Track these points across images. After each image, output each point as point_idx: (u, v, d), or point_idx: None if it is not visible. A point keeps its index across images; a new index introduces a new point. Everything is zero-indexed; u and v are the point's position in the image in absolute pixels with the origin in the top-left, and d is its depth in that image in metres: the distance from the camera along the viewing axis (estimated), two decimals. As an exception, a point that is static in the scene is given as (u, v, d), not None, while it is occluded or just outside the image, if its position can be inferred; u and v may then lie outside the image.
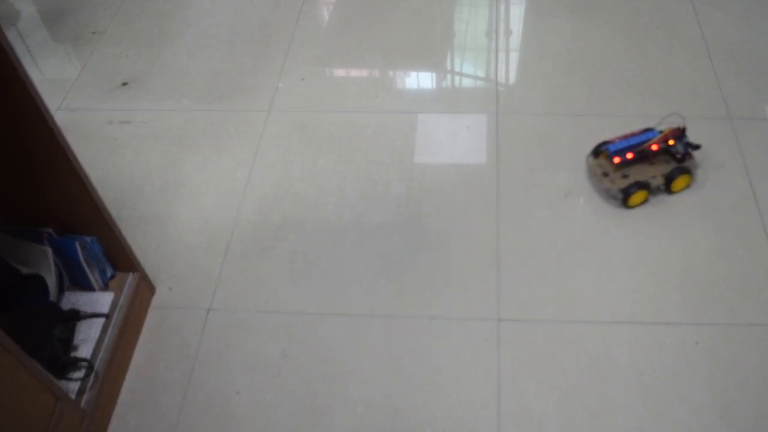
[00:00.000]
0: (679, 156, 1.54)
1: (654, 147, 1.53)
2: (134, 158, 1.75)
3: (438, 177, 1.64)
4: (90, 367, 1.23)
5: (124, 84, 1.95)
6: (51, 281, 1.28)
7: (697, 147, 1.56)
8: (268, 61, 1.98)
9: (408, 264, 1.48)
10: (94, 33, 2.13)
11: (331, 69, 1.96)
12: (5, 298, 1.20)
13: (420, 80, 1.92)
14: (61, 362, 1.21)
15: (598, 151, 1.60)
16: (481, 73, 1.91)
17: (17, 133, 1.09)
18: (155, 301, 1.46)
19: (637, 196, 1.52)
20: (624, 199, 1.52)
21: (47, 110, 1.06)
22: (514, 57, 1.95)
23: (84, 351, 1.26)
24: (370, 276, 1.47)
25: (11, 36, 2.14)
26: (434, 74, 1.93)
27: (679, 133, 1.55)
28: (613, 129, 1.70)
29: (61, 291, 1.34)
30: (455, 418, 1.25)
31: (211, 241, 1.55)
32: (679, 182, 1.54)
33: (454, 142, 1.73)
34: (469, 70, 1.93)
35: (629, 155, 1.53)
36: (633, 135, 1.56)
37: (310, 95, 1.87)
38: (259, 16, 2.14)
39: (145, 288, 1.44)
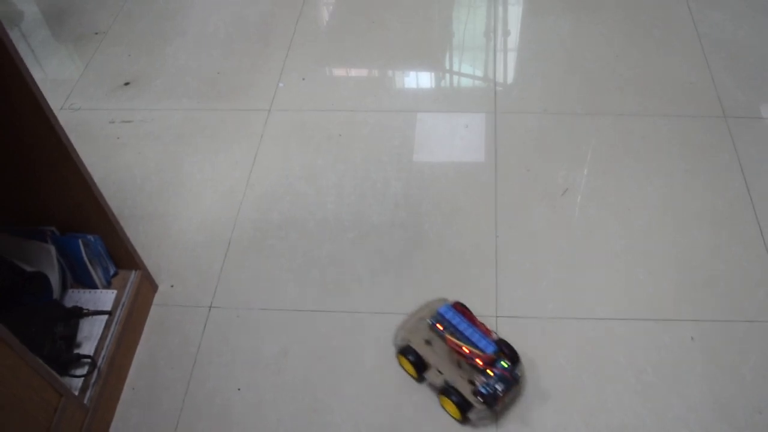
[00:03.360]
0: (474, 391, 1.20)
1: (466, 350, 1.22)
2: (136, 157, 1.76)
3: (437, 175, 1.65)
4: (93, 364, 1.24)
5: (126, 84, 1.96)
6: (54, 279, 1.29)
7: (495, 401, 1.19)
8: (268, 60, 1.99)
9: (407, 262, 1.49)
10: (96, 33, 2.14)
11: (331, 68, 1.97)
12: (9, 296, 1.22)
13: (419, 79, 1.93)
14: (64, 359, 1.22)
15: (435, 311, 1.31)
16: (479, 73, 1.92)
17: (20, 132, 1.10)
18: (157, 298, 1.47)
19: (406, 364, 1.28)
20: (396, 352, 1.31)
21: (50, 110, 1.07)
22: (512, 56, 1.96)
23: (87, 348, 1.27)
24: (370, 274, 1.48)
25: (14, 36, 2.14)
26: (433, 73, 1.94)
27: (502, 377, 1.20)
28: (611, 128, 1.72)
29: (64, 289, 1.35)
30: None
31: (212, 239, 1.57)
32: (448, 404, 1.23)
33: (452, 140, 1.74)
34: (467, 69, 1.94)
35: (446, 333, 1.26)
36: (478, 327, 1.26)
37: (310, 94, 1.88)
38: (259, 15, 2.15)
39: (147, 286, 1.45)
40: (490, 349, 1.20)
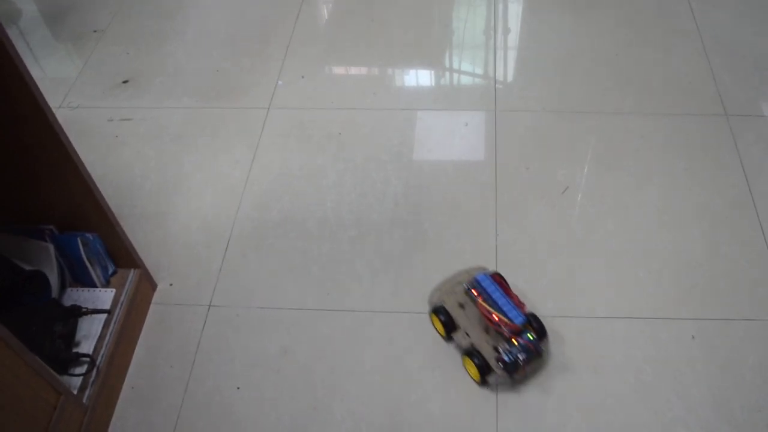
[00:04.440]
0: (497, 357, 1.24)
1: (493, 316, 1.25)
2: (135, 155, 1.76)
3: (436, 174, 1.65)
4: (92, 363, 1.24)
5: (125, 82, 1.96)
6: (53, 278, 1.28)
7: (515, 369, 1.23)
8: (267, 58, 1.99)
9: (407, 260, 1.49)
10: (95, 31, 2.14)
11: (330, 66, 1.96)
12: (9, 296, 1.21)
13: (419, 78, 1.93)
14: (63, 358, 1.22)
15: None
16: (479, 71, 1.92)
17: (18, 131, 1.10)
18: (156, 297, 1.47)
19: (438, 325, 1.34)
20: (429, 311, 1.37)
21: (48, 108, 1.06)
22: (512, 54, 1.96)
23: (85, 347, 1.27)
24: (370, 272, 1.47)
25: (13, 34, 2.14)
26: (433, 72, 1.94)
27: (525, 347, 1.25)
28: (611, 126, 1.72)
29: (63, 287, 1.35)
30: (454, 414, 1.26)
31: (212, 238, 1.56)
32: (469, 364, 1.28)
33: (452, 139, 1.73)
34: (467, 67, 1.94)
35: (479, 298, 1.28)
36: (517, 301, 1.28)
37: (310, 93, 1.88)
38: (258, 14, 2.15)
39: (146, 284, 1.44)
40: (519, 320, 1.24)
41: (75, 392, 1.20)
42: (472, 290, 1.31)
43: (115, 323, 1.32)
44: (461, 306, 1.33)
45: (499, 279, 1.33)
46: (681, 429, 1.22)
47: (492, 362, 1.25)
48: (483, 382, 1.28)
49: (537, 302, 1.40)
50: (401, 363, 1.33)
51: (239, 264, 1.51)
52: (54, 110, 1.08)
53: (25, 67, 1.00)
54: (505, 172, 1.64)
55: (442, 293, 1.37)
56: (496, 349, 1.25)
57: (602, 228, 1.52)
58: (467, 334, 1.30)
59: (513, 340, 1.25)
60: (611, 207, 1.56)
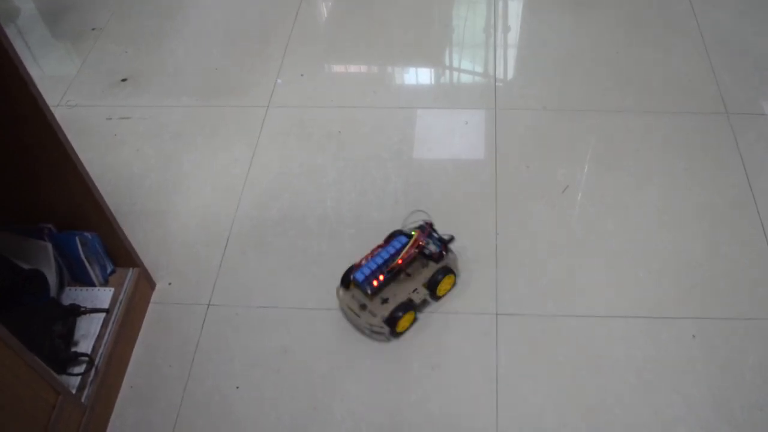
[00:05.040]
0: (435, 256, 1.38)
1: (400, 261, 1.34)
2: (133, 154, 1.75)
3: (436, 172, 1.65)
4: (90, 363, 1.24)
5: (124, 80, 1.95)
6: (51, 277, 1.28)
7: (450, 240, 1.42)
8: (266, 57, 1.98)
9: (407, 260, 1.48)
10: (93, 29, 2.13)
11: (330, 65, 1.96)
12: (8, 296, 1.21)
13: (418, 76, 1.92)
14: (62, 358, 1.21)
15: (347, 281, 1.38)
16: (479, 69, 1.91)
17: (17, 129, 1.10)
18: (155, 296, 1.47)
19: (405, 320, 1.34)
20: (391, 330, 1.34)
21: (47, 106, 1.06)
22: (512, 53, 1.95)
23: (84, 346, 1.27)
24: (369, 271, 1.47)
25: (11, 33, 2.14)
26: (433, 70, 1.93)
27: (428, 231, 1.40)
28: (611, 125, 1.71)
29: (61, 287, 1.34)
30: (454, 413, 1.26)
31: (211, 237, 1.56)
32: (444, 284, 1.38)
33: (452, 137, 1.73)
34: (467, 66, 1.94)
35: (380, 277, 1.34)
36: (381, 247, 1.39)
37: (309, 91, 1.88)
38: (257, 12, 2.14)
39: (145, 283, 1.44)
40: (405, 239, 1.38)
41: (74, 392, 1.20)
42: (374, 282, 1.34)
43: (113, 322, 1.31)
44: (386, 301, 1.35)
45: (368, 255, 1.39)
46: (681, 429, 1.22)
47: (437, 275, 1.36)
48: (454, 281, 1.42)
49: (537, 302, 1.40)
50: (401, 363, 1.33)
51: (239, 263, 1.51)
52: (52, 109, 1.08)
53: (23, 66, 1.00)
54: (505, 170, 1.64)
55: (369, 318, 1.33)
56: (425, 265, 1.38)
57: (602, 228, 1.52)
58: (415, 291, 1.37)
59: (424, 249, 1.38)
60: (611, 207, 1.55)
